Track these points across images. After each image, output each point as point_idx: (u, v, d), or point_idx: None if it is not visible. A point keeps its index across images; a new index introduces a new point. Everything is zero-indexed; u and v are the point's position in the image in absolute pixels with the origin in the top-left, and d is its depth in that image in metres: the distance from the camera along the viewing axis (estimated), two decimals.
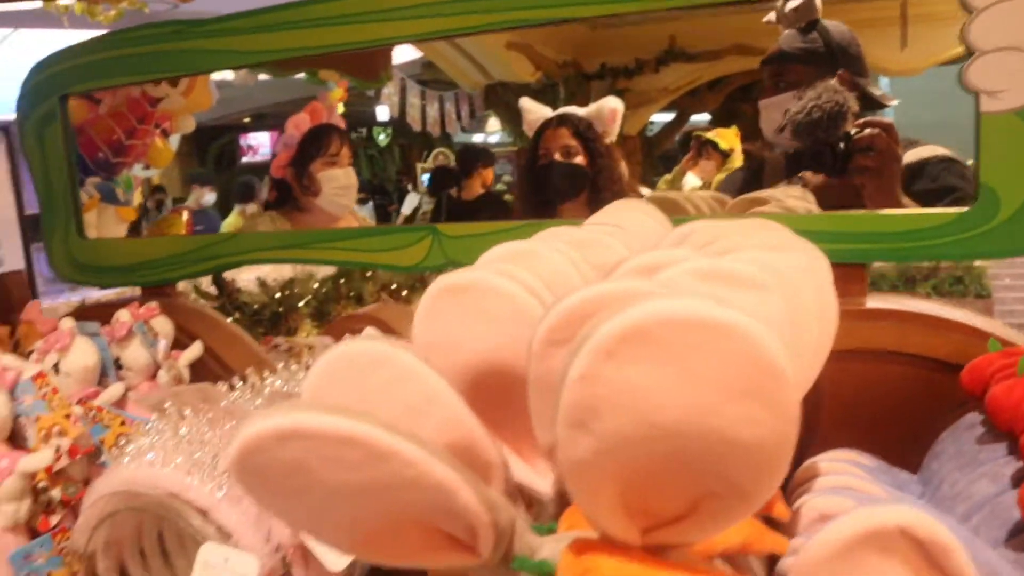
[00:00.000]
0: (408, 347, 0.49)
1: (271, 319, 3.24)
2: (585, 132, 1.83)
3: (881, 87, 1.59)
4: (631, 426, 0.38)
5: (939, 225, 0.94)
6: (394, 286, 3.50)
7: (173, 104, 2.89)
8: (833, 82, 1.39)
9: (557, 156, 1.82)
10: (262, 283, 3.19)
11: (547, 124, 1.86)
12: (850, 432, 0.87)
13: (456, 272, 0.54)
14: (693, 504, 0.42)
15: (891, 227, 0.97)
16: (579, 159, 1.83)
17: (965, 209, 0.92)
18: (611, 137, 1.87)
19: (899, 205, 1.19)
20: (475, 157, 4.72)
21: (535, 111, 1.90)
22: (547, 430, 0.50)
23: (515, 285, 0.52)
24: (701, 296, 0.37)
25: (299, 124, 2.02)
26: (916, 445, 0.89)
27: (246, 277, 2.44)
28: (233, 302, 3.08)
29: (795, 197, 1.36)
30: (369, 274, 2.61)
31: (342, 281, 3.38)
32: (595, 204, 1.85)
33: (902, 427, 0.91)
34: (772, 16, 1.56)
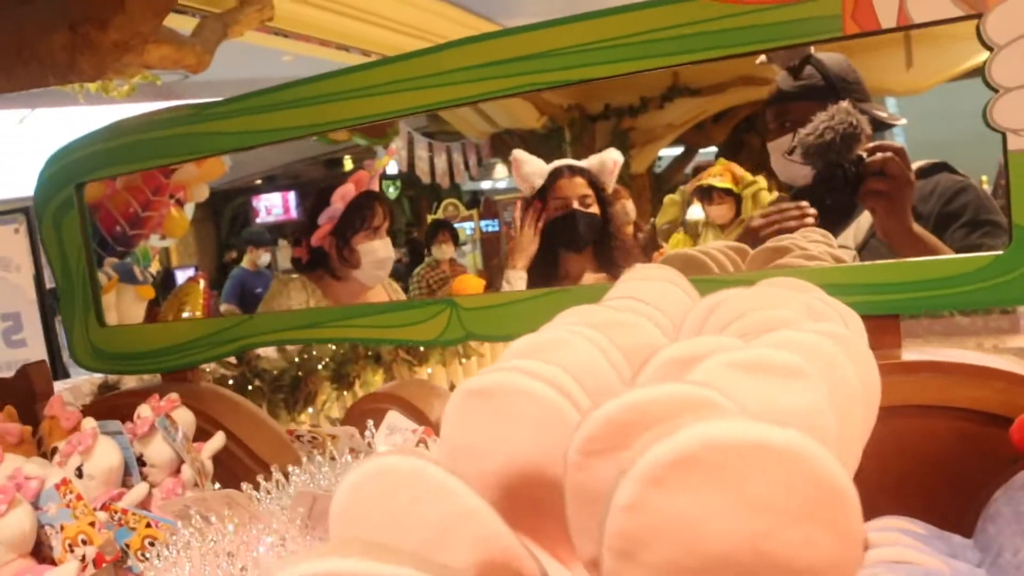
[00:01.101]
0: (435, 460, 0.47)
1: (291, 384, 3.24)
2: (596, 183, 1.84)
3: (888, 108, 1.57)
4: (682, 556, 0.36)
5: (973, 271, 0.91)
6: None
7: (187, 174, 2.92)
8: (846, 104, 1.37)
9: (576, 205, 1.83)
10: (280, 349, 3.19)
11: (559, 173, 1.86)
12: (894, 494, 0.84)
13: (482, 374, 0.52)
14: None
15: (923, 275, 0.94)
16: (593, 209, 1.83)
17: (999, 253, 0.90)
18: (609, 189, 1.89)
19: (910, 231, 1.16)
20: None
21: (530, 162, 1.90)
22: (587, 541, 0.48)
23: (544, 386, 0.50)
24: (752, 416, 0.34)
25: (345, 195, 2.02)
26: (967, 505, 0.85)
27: None
28: (253, 370, 3.08)
29: (816, 241, 1.33)
30: None
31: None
32: (601, 254, 1.86)
33: (950, 486, 0.88)
34: (763, 58, 1.56)
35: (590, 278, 1.81)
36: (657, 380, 0.51)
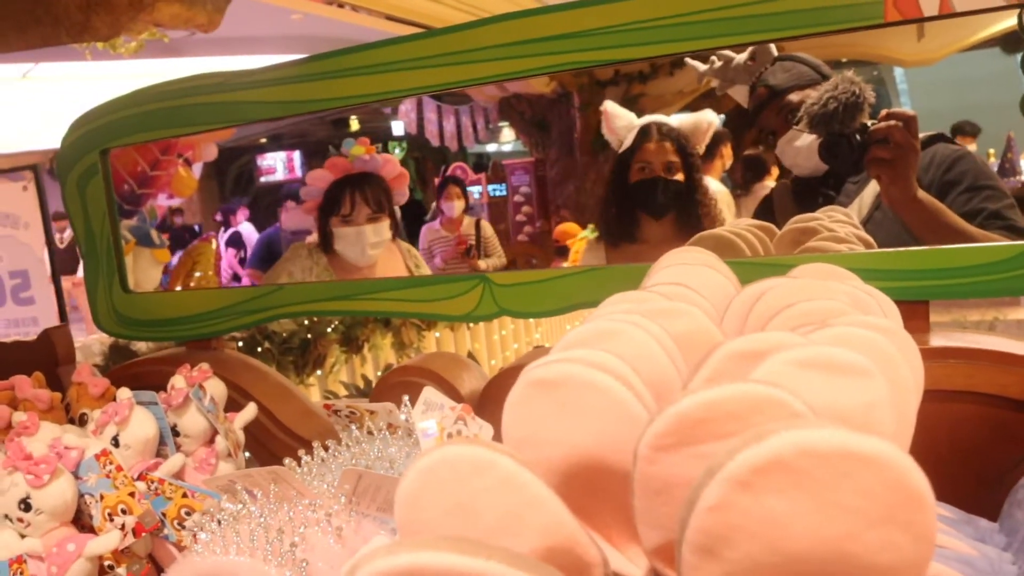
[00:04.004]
0: (508, 451, 0.48)
1: (300, 347, 3.25)
2: (685, 148, 1.77)
3: (896, 78, 1.58)
4: (764, 554, 0.37)
5: (1005, 259, 0.92)
6: None
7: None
8: (850, 73, 1.38)
9: (661, 172, 1.76)
10: None
11: (648, 134, 1.78)
12: None
13: (545, 364, 0.53)
14: None
15: (954, 262, 0.94)
16: (679, 176, 1.77)
17: None
18: (701, 151, 1.81)
19: (915, 198, 1.17)
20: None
21: (622, 116, 1.81)
22: (653, 530, 0.49)
23: (608, 378, 0.51)
24: (837, 425, 0.35)
25: (318, 179, 2.03)
26: (992, 490, 0.87)
27: None
28: (262, 332, 3.09)
29: (840, 221, 1.34)
30: None
31: None
32: (683, 223, 1.79)
33: (976, 471, 0.89)
34: (716, 84, 1.56)
35: (673, 245, 1.73)
36: (720, 374, 0.52)
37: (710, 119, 1.80)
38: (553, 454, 0.54)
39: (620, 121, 1.80)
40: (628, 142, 1.78)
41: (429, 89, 1.14)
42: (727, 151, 4.33)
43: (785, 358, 0.49)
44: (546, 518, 0.48)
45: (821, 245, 1.10)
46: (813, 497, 0.35)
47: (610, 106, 1.83)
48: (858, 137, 1.26)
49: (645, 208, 1.77)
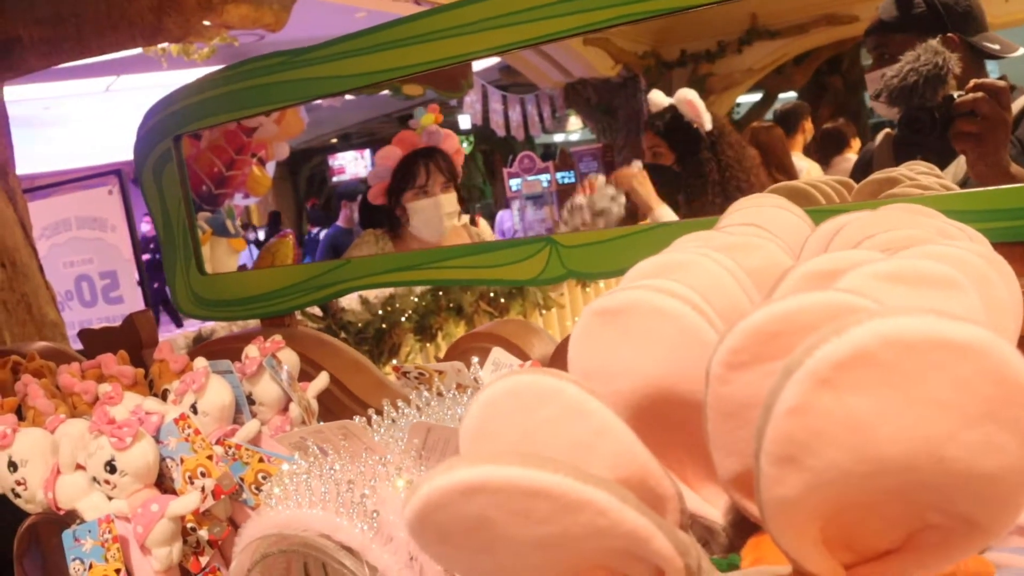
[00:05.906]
0: (574, 379, 0.46)
1: (375, 336, 3.29)
2: (674, 126, 1.83)
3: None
4: (850, 461, 0.34)
5: None
6: (492, 294, 3.49)
7: (267, 132, 2.96)
8: (935, 42, 1.31)
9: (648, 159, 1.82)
10: (364, 301, 3.24)
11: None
12: None
13: (612, 293, 0.51)
14: (908, 538, 0.38)
15: None
16: (664, 160, 1.81)
17: None
18: (705, 125, 1.84)
19: (1007, 175, 1.10)
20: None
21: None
22: (728, 457, 0.46)
23: (677, 303, 0.49)
24: (925, 310, 0.32)
25: (387, 156, 2.04)
26: None
27: (348, 296, 2.48)
28: (338, 322, 3.13)
29: (924, 173, 1.28)
30: None
31: (440, 293, 3.40)
32: (719, 192, 1.82)
33: None
34: None
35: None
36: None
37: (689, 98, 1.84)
38: (622, 387, 0.52)
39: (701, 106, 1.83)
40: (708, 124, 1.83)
41: (497, 50, 1.12)
42: (808, 125, 4.19)
43: (867, 271, 0.46)
44: (616, 446, 0.46)
45: (903, 191, 1.05)
46: (902, 393, 0.32)
47: (689, 94, 1.85)
48: (943, 109, 1.20)
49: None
